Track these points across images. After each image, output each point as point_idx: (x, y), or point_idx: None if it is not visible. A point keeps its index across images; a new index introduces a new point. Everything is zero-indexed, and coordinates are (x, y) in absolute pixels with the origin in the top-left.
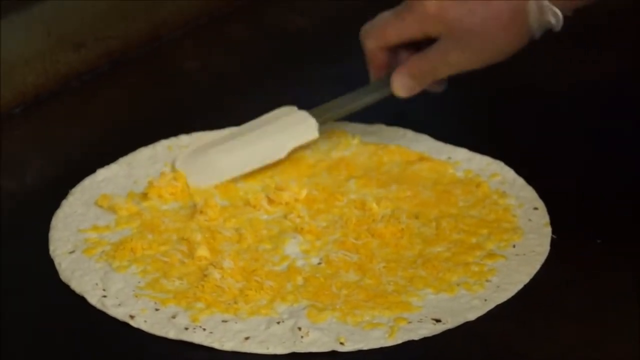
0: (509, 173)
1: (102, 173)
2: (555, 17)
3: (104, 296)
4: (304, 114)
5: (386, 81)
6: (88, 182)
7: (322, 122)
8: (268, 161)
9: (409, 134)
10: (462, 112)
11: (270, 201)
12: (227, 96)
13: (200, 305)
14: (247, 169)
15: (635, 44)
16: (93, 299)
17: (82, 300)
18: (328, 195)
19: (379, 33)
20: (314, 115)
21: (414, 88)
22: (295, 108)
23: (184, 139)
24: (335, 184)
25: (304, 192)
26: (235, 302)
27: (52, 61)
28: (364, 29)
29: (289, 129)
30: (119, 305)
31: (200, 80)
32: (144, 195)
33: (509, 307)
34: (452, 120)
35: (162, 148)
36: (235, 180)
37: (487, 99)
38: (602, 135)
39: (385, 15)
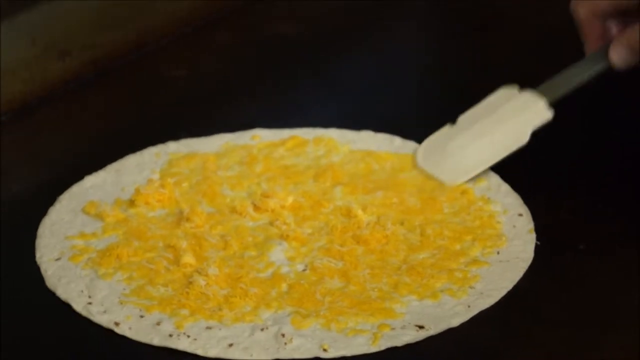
0: (494, 179)
1: (90, 180)
2: None
3: (90, 303)
4: (531, 95)
5: (601, 54)
6: (76, 189)
7: (551, 101)
8: (512, 149)
9: (397, 140)
10: (450, 118)
11: (256, 208)
12: (214, 103)
13: (184, 312)
14: (494, 161)
15: None
16: (78, 306)
17: (67, 307)
18: (314, 202)
19: (591, 4)
20: (542, 95)
21: (632, 60)
22: (516, 89)
23: (171, 146)
24: (322, 191)
25: (290, 199)
26: (220, 309)
27: (38, 69)
28: (573, 1)
29: (522, 113)
30: (104, 312)
31: (186, 87)
32: (131, 202)
33: (492, 314)
34: (439, 127)
35: (150, 155)
36: (221, 186)
37: (471, 105)
38: (587, 142)
39: None
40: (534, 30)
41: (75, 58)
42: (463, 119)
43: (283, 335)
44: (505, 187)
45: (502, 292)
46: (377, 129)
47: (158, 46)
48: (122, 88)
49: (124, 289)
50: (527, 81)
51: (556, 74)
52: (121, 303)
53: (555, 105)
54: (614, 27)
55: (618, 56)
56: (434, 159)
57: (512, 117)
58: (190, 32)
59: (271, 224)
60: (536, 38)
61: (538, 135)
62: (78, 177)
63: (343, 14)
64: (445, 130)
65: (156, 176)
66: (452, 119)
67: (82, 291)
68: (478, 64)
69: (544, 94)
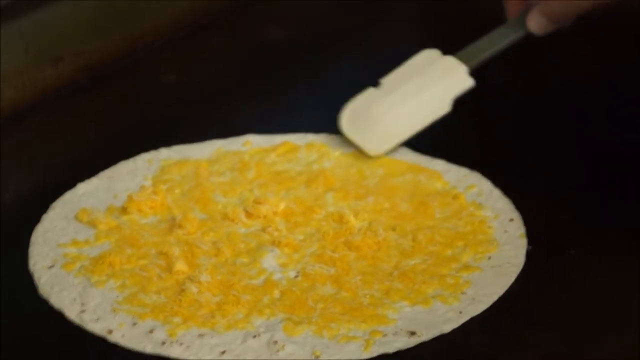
0: (485, 184)
1: (83, 187)
2: None
3: (83, 311)
4: (451, 60)
5: (520, 20)
6: (69, 196)
7: (471, 67)
8: (434, 117)
9: None
10: (440, 122)
11: (248, 214)
12: (206, 108)
13: (177, 319)
14: (416, 129)
15: (613, 51)
16: (71, 314)
17: (60, 315)
18: (306, 208)
19: None
20: (462, 61)
21: (549, 26)
22: (438, 52)
23: (164, 152)
24: (314, 197)
25: (282, 206)
26: (212, 316)
27: (31, 76)
28: None
29: (444, 79)
30: (97, 320)
31: (179, 93)
32: (124, 209)
33: (484, 319)
34: (429, 131)
35: (142, 161)
36: (213, 193)
37: (464, 110)
38: (579, 147)
39: None
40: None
41: (67, 64)
42: (386, 81)
43: (275, 342)
44: (496, 192)
45: (494, 298)
46: None
47: (150, 51)
48: (115, 94)
49: (117, 297)
50: (527, 83)
51: (476, 40)
52: (114, 311)
53: (475, 71)
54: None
55: (535, 23)
56: (358, 126)
57: (434, 83)
58: (183, 36)
59: (263, 230)
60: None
61: (530, 140)
62: (71, 184)
63: (335, 18)
64: (369, 93)
65: (148, 183)
66: (445, 124)
67: (75, 299)
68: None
69: (464, 60)
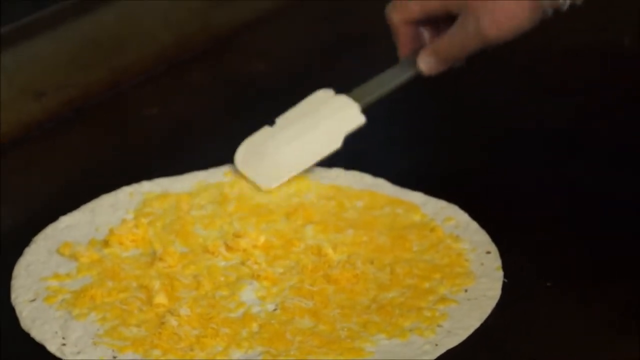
0: (463, 217)
1: (65, 220)
2: None
3: (64, 344)
4: (344, 99)
5: (412, 60)
6: (51, 230)
7: (363, 106)
8: (326, 153)
9: (367, 178)
10: (419, 155)
11: (228, 248)
12: (188, 141)
13: (157, 352)
14: (307, 164)
15: (589, 86)
16: (52, 347)
17: (42, 348)
18: (285, 241)
19: (403, 7)
20: (354, 99)
21: (438, 67)
22: (332, 92)
23: (145, 185)
24: (293, 230)
25: (261, 239)
26: (192, 349)
27: (14, 110)
28: (388, 6)
29: (336, 116)
30: (78, 353)
31: (161, 126)
32: (105, 243)
33: (460, 352)
34: (408, 164)
35: (124, 195)
36: (194, 226)
37: (443, 143)
38: (554, 182)
39: None
40: (520, 59)
41: (50, 99)
42: (281, 120)
43: None
44: (473, 225)
45: (470, 331)
46: (348, 166)
47: (132, 86)
48: (98, 127)
49: (98, 330)
50: (483, 119)
51: (369, 79)
52: (95, 344)
53: (367, 110)
54: (425, 33)
55: (425, 63)
56: (252, 162)
57: (327, 120)
58: (165, 71)
59: (243, 263)
60: (523, 66)
61: (507, 174)
62: (53, 217)
63: (314, 53)
64: (264, 131)
65: (130, 216)
66: (418, 154)
67: (56, 332)
68: (448, 101)
69: (356, 98)
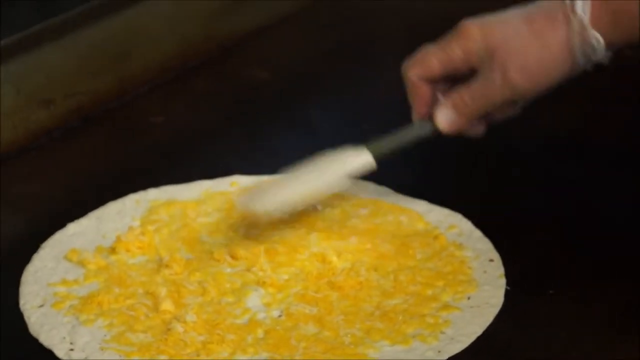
0: (466, 225)
1: (72, 227)
2: (597, 42)
3: (71, 349)
4: (357, 149)
5: (429, 120)
6: (58, 237)
7: (375, 158)
8: (330, 190)
9: (371, 186)
10: (422, 163)
11: (234, 255)
12: (194, 148)
13: (163, 358)
14: (310, 199)
15: (590, 92)
16: (60, 352)
17: (50, 353)
18: (290, 248)
19: (422, 63)
20: (367, 150)
21: (458, 122)
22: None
23: (152, 193)
24: (298, 237)
25: (266, 246)
26: (197, 355)
27: (22, 118)
28: (405, 62)
29: (346, 161)
30: (85, 358)
31: (167, 134)
32: (112, 250)
33: (462, 358)
34: (412, 172)
35: (131, 202)
36: (199, 233)
37: (447, 151)
38: (557, 191)
39: (428, 47)
40: None
41: (58, 106)
42: (289, 169)
43: None
44: (477, 233)
45: (472, 338)
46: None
47: (139, 94)
48: (104, 135)
49: (105, 336)
50: (503, 125)
51: (384, 135)
52: (102, 349)
53: (379, 160)
54: (441, 95)
55: (443, 118)
56: (252, 199)
57: (335, 164)
58: (170, 79)
59: (248, 270)
60: None
61: (510, 183)
62: (61, 224)
63: (316, 61)
64: (267, 178)
65: (137, 223)
66: (422, 163)
67: (64, 337)
68: None
69: (369, 149)
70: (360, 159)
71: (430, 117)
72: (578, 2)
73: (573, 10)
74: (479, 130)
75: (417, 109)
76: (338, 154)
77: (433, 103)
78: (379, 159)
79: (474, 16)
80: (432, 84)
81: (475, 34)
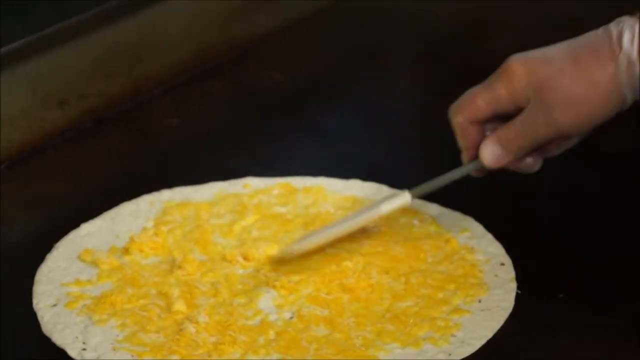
0: (478, 229)
1: (86, 228)
2: None
3: (84, 349)
4: (395, 191)
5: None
6: (72, 237)
7: (414, 195)
8: (365, 222)
9: (384, 189)
10: (435, 167)
11: (246, 256)
12: (207, 150)
13: (175, 358)
14: (345, 232)
15: None
16: (73, 352)
17: (62, 353)
18: (303, 250)
19: (468, 105)
20: (409, 191)
21: (503, 157)
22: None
23: (165, 194)
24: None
25: (279, 248)
26: (209, 356)
27: (37, 118)
28: (452, 106)
29: (385, 198)
30: (98, 358)
31: (180, 136)
32: (126, 250)
33: None
34: (424, 176)
35: (145, 203)
36: (212, 234)
37: (459, 157)
38: (569, 196)
39: (473, 89)
40: None
41: (72, 107)
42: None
43: None
44: (488, 237)
45: (483, 341)
46: (365, 177)
47: (152, 96)
48: (118, 136)
49: (117, 336)
50: None
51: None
52: (114, 349)
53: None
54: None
55: (488, 152)
56: (286, 247)
57: (376, 203)
58: (184, 81)
59: (260, 271)
60: None
61: (522, 187)
62: (75, 224)
63: (332, 65)
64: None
65: (150, 224)
66: (434, 167)
67: (76, 337)
68: None
69: (411, 191)
70: (398, 196)
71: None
72: (625, 36)
73: (620, 45)
74: (533, 165)
75: (467, 152)
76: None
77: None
78: (417, 197)
79: (490, 18)
80: (480, 125)
81: (520, 72)
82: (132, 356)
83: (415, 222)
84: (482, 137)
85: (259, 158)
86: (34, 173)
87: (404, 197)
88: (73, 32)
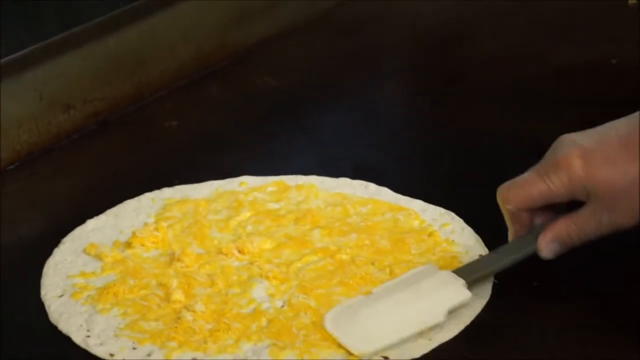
0: (458, 223)
1: (91, 223)
2: None
3: (88, 336)
4: (450, 275)
5: (527, 239)
6: (78, 232)
7: (470, 283)
8: (426, 325)
9: (371, 186)
10: (420, 166)
11: (241, 249)
12: (206, 151)
13: (173, 344)
14: (405, 334)
15: (580, 100)
16: (78, 339)
17: (68, 339)
18: (294, 244)
19: (523, 195)
20: (461, 276)
21: (561, 252)
22: (435, 268)
23: (166, 192)
24: (301, 234)
25: (272, 241)
26: (205, 342)
27: (44, 122)
28: (502, 189)
29: (440, 290)
30: (101, 344)
31: (180, 137)
32: (128, 244)
33: (451, 346)
34: (410, 174)
35: (146, 200)
36: (209, 229)
37: (443, 156)
38: None
39: (527, 176)
40: (507, 83)
41: (78, 111)
42: (378, 290)
43: None
44: (468, 230)
45: (460, 327)
46: (354, 175)
47: (153, 100)
48: (121, 138)
49: (119, 324)
50: (496, 131)
51: (477, 260)
52: (116, 336)
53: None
54: (539, 214)
55: (546, 248)
56: (343, 325)
57: (429, 293)
58: (184, 85)
59: (254, 263)
60: (518, 83)
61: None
62: (80, 220)
63: (323, 71)
64: (359, 299)
65: (151, 220)
66: (419, 165)
67: (81, 325)
68: (448, 116)
69: (462, 275)
70: (459, 292)
71: (527, 239)
72: None
73: None
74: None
75: (516, 233)
76: (431, 278)
77: (532, 223)
78: (472, 285)
79: (469, 28)
80: (531, 211)
81: (578, 168)
82: (133, 342)
83: (400, 216)
84: (532, 220)
85: (254, 158)
86: (42, 173)
87: (461, 291)
88: (78, 40)
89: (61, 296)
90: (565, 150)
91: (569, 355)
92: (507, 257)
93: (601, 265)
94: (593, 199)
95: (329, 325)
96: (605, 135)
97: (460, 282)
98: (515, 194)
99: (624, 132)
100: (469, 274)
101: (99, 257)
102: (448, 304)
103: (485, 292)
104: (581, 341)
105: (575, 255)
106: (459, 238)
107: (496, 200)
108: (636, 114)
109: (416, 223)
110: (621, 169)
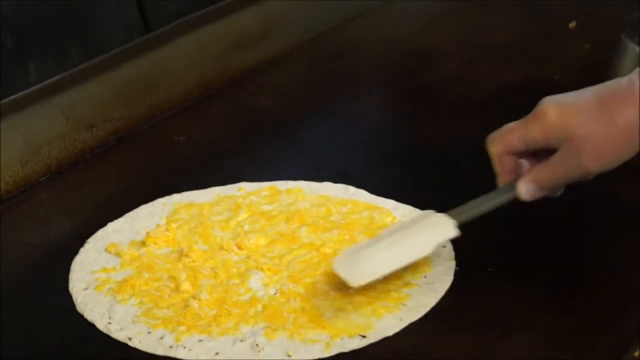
0: None
1: (111, 226)
2: None
3: (109, 323)
4: (443, 216)
5: (511, 185)
6: (100, 233)
7: (459, 222)
8: (414, 258)
9: (351, 189)
10: (393, 171)
11: (240, 245)
12: (209, 162)
13: (182, 328)
14: (396, 267)
15: (523, 108)
16: (100, 325)
17: (92, 326)
18: (285, 239)
19: (504, 139)
20: (451, 216)
21: (537, 193)
22: (432, 212)
23: (176, 197)
24: (291, 231)
25: (266, 238)
26: (209, 325)
27: (70, 139)
28: (490, 135)
29: (431, 229)
30: (120, 329)
31: (188, 150)
32: (143, 243)
33: (420, 325)
34: (384, 178)
35: (159, 205)
36: (213, 229)
37: (413, 162)
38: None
39: (510, 124)
40: (469, 96)
41: (99, 130)
42: (381, 233)
43: (257, 345)
44: None
45: (427, 308)
46: (336, 180)
47: (165, 118)
48: (137, 152)
49: (136, 312)
50: (460, 138)
51: (468, 201)
52: (134, 322)
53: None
54: (525, 163)
55: (524, 190)
56: (346, 264)
57: (421, 232)
58: (190, 105)
59: (251, 258)
60: (469, 103)
61: (465, 185)
62: (102, 223)
63: (310, 90)
64: (363, 242)
65: (163, 222)
66: (397, 172)
67: (103, 313)
68: (418, 126)
69: (453, 216)
70: (447, 230)
71: (511, 185)
72: None
73: None
74: (556, 193)
75: (502, 177)
76: (425, 220)
77: (516, 172)
78: (461, 223)
79: (437, 49)
80: (514, 155)
81: (553, 117)
82: (148, 328)
83: (375, 214)
84: (516, 165)
85: (251, 167)
86: (69, 183)
87: (450, 229)
88: (98, 69)
89: (86, 289)
90: (545, 104)
91: (521, 326)
92: (493, 200)
93: (548, 252)
94: (564, 144)
95: (335, 264)
96: (582, 93)
97: (450, 222)
98: (499, 138)
99: (594, 90)
100: (459, 214)
101: (118, 254)
102: (436, 239)
103: (448, 278)
104: (529, 314)
105: (524, 246)
106: None
107: (456, 197)
108: (613, 80)
109: (389, 220)
110: (588, 114)
